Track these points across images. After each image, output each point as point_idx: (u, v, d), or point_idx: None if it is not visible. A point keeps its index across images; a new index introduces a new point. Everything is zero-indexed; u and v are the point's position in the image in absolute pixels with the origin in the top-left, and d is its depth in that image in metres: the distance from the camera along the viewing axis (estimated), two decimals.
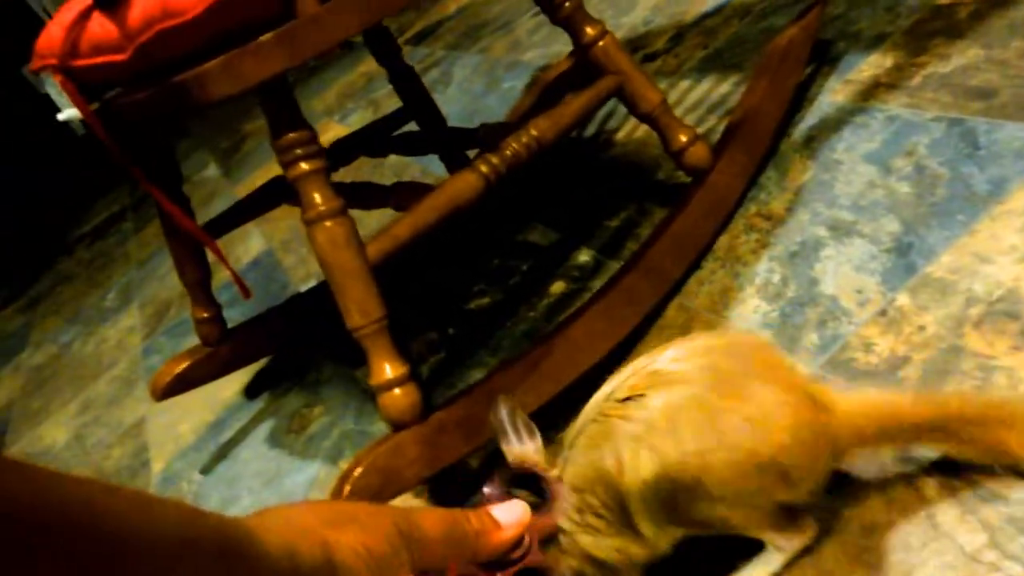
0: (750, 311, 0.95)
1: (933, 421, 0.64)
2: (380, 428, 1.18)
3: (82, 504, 0.23)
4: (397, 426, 0.88)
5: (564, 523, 0.56)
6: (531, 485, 0.48)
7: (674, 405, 0.61)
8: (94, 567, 0.22)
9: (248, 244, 2.02)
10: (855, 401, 0.66)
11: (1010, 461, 0.63)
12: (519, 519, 0.42)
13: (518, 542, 0.42)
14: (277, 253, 1.90)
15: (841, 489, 0.72)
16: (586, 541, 0.56)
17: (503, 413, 0.58)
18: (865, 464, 0.71)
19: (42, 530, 0.21)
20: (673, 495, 0.60)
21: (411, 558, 0.36)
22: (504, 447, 0.56)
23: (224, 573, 0.27)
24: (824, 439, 0.63)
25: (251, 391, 1.46)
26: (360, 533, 0.34)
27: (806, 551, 0.68)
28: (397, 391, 0.86)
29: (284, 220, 2.02)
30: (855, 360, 0.81)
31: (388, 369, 0.86)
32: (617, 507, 0.59)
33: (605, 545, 0.57)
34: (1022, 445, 0.62)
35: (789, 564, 0.68)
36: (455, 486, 0.96)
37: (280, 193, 1.29)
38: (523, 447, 0.55)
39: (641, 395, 0.61)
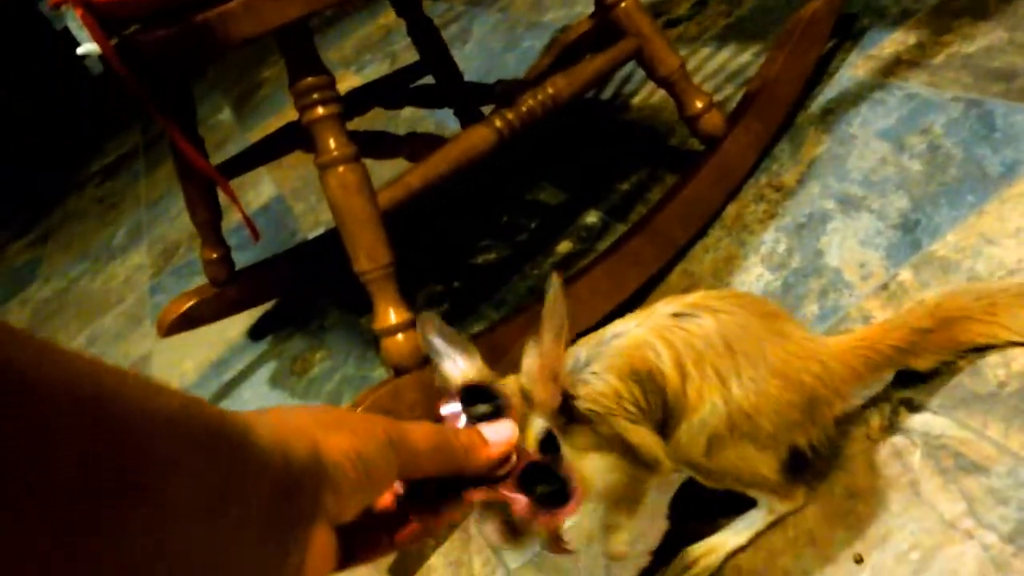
0: (753, 279, 0.95)
1: (905, 341, 0.69)
2: (381, 374, 1.19)
3: (92, 383, 0.23)
4: (398, 371, 0.89)
5: (597, 407, 0.57)
6: (482, 401, 0.47)
7: (726, 327, 0.63)
8: (101, 447, 0.23)
9: (259, 190, 2.03)
10: (841, 344, 0.69)
11: (968, 347, 0.71)
12: (507, 438, 0.43)
13: (505, 460, 0.43)
14: (287, 200, 1.90)
15: (829, 455, 0.73)
16: (623, 425, 0.58)
17: (433, 335, 0.53)
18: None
19: (53, 406, 0.21)
20: (721, 435, 0.62)
21: (399, 467, 0.37)
22: (444, 370, 0.53)
23: (220, 461, 0.27)
24: (836, 379, 0.67)
25: (255, 333, 1.48)
26: (351, 437, 0.35)
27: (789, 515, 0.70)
28: (400, 336, 0.88)
29: (295, 168, 2.02)
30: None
31: (392, 314, 0.88)
32: (659, 407, 0.61)
33: (643, 432, 0.59)
34: (975, 332, 0.70)
35: (772, 525, 0.70)
36: None
37: (294, 139, 1.29)
38: (464, 366, 0.52)
39: (691, 314, 0.64)
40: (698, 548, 0.70)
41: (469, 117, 1.39)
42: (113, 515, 0.23)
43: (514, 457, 0.43)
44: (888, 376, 0.74)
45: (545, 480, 0.44)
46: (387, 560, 0.91)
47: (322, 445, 0.33)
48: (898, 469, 0.69)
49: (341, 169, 0.85)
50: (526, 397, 0.52)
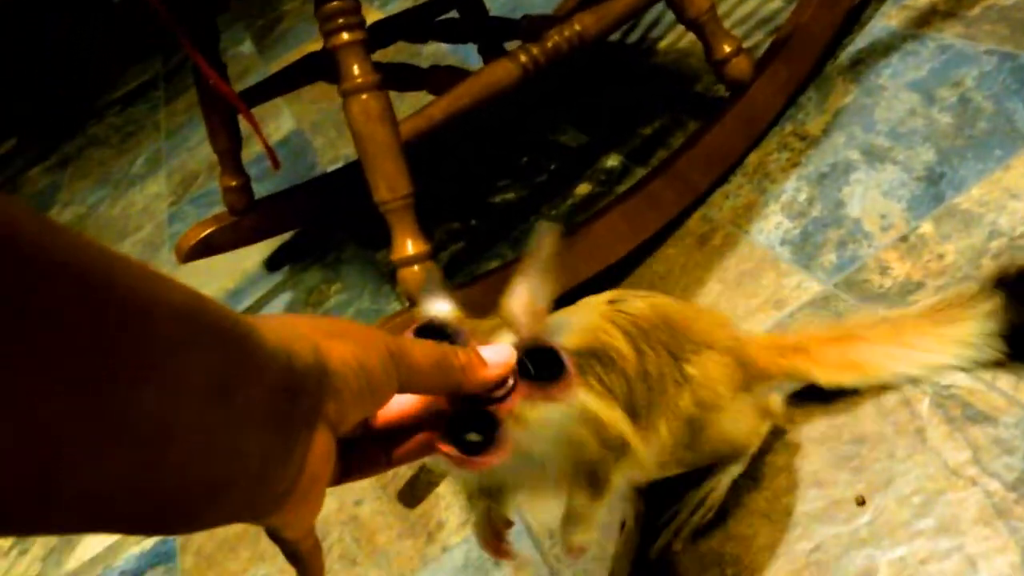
0: (771, 226, 0.95)
1: (802, 346, 0.72)
2: (395, 308, 1.20)
3: (104, 266, 0.23)
4: (414, 301, 0.90)
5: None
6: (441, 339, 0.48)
7: (658, 308, 0.64)
8: (112, 329, 0.23)
9: (278, 123, 2.02)
10: (754, 337, 0.73)
11: (873, 376, 0.71)
12: (505, 359, 0.44)
13: (502, 383, 0.44)
14: (307, 134, 1.90)
15: (836, 400, 0.74)
16: (584, 397, 0.55)
17: (432, 284, 0.55)
18: None
19: (68, 285, 0.22)
20: (695, 416, 0.62)
21: (399, 380, 0.38)
22: (424, 311, 0.53)
23: (224, 355, 0.28)
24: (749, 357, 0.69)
25: (272, 264, 1.49)
26: (353, 347, 0.35)
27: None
28: (416, 267, 0.88)
29: (315, 103, 2.01)
30: (869, 282, 0.82)
31: (410, 245, 0.88)
32: (623, 392, 0.58)
33: (608, 405, 0.56)
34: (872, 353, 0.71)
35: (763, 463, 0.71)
36: None
37: (316, 70, 1.28)
38: (439, 308, 0.52)
39: (624, 299, 0.64)
40: (700, 490, 0.69)
41: (493, 54, 1.37)
42: (123, 389, 0.24)
43: (511, 381, 0.44)
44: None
45: (476, 428, 0.44)
46: (396, 487, 0.93)
47: (325, 351, 0.33)
48: (905, 416, 0.70)
49: (364, 96, 0.85)
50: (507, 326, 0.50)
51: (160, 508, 0.27)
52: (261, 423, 0.30)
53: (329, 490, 1.03)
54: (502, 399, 0.43)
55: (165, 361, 0.25)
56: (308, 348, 0.33)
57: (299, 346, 0.32)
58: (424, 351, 0.40)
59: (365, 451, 0.42)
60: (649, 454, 0.60)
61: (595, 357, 0.57)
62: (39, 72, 3.48)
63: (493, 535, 0.59)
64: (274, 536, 0.38)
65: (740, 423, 0.66)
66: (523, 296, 0.50)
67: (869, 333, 0.72)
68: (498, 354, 0.43)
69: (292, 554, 0.40)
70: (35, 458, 0.22)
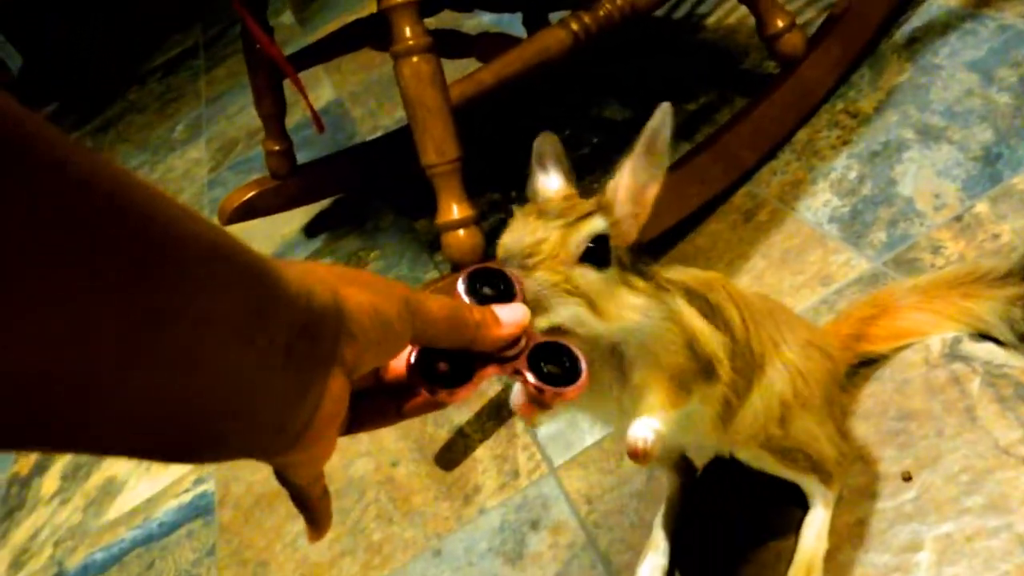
0: (820, 204, 0.94)
1: (854, 329, 0.74)
2: (433, 277, 1.21)
3: (147, 200, 0.24)
4: (457, 266, 0.90)
5: (664, 283, 0.52)
6: (496, 283, 0.48)
7: (758, 297, 0.63)
8: (149, 257, 0.24)
9: (319, 92, 2.02)
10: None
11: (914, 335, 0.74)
12: (519, 319, 0.44)
13: (514, 342, 0.44)
14: (346, 104, 1.90)
15: (883, 377, 0.73)
16: (688, 309, 0.52)
17: (548, 148, 0.53)
18: None
19: (116, 215, 0.23)
20: (789, 402, 0.60)
21: (413, 330, 0.38)
22: (538, 182, 0.52)
23: (248, 291, 0.29)
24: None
25: (311, 230, 1.50)
26: (371, 295, 0.36)
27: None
28: (462, 232, 0.88)
29: (355, 73, 2.02)
30: (920, 260, 0.81)
31: (456, 209, 0.88)
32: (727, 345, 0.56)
33: (708, 326, 0.54)
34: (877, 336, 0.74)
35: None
36: None
37: (362, 36, 1.29)
38: (557, 185, 0.51)
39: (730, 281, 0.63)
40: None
41: (537, 25, 1.37)
42: (156, 315, 0.25)
43: (523, 340, 0.44)
44: None
45: (554, 360, 0.44)
46: (433, 450, 0.94)
47: (344, 297, 0.34)
48: (955, 394, 0.69)
49: (415, 59, 0.85)
50: (601, 205, 0.49)
51: (181, 435, 0.28)
52: (280, 361, 0.31)
53: (365, 451, 1.04)
54: (513, 359, 0.44)
55: (194, 290, 0.26)
56: (328, 293, 0.33)
57: (319, 290, 0.33)
58: (440, 305, 0.40)
59: (376, 403, 0.43)
60: (740, 421, 0.58)
61: (707, 305, 0.55)
62: (81, 37, 3.52)
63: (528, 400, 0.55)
64: (283, 480, 0.39)
65: (826, 428, 0.64)
66: (627, 179, 0.49)
67: (904, 301, 0.75)
68: (513, 313, 0.44)
69: (300, 499, 0.41)
70: (73, 373, 0.23)
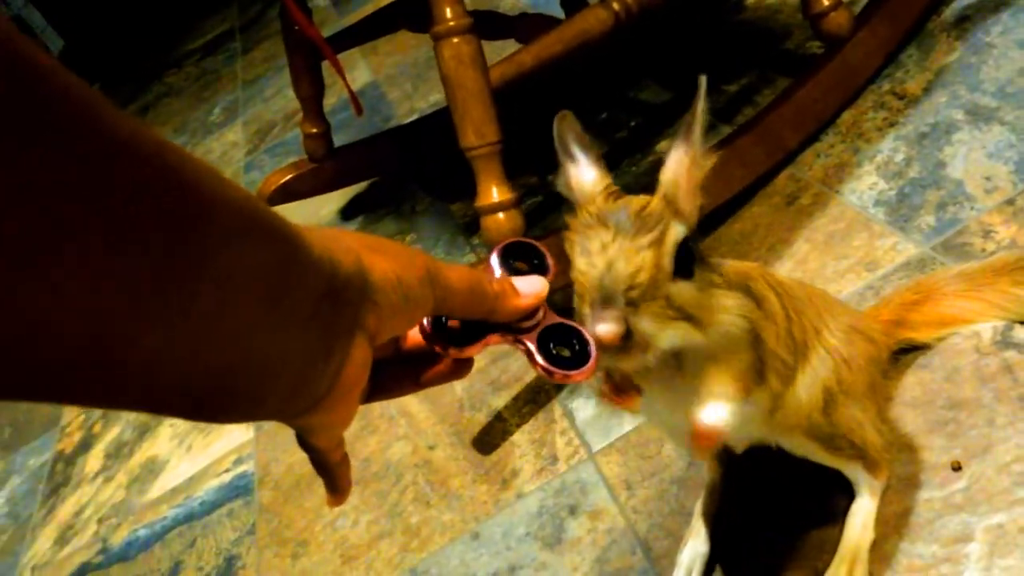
0: (865, 187, 0.92)
1: (895, 315, 0.73)
2: (469, 260, 1.21)
3: (177, 159, 0.25)
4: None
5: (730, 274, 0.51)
6: (530, 257, 0.48)
7: (799, 283, 0.61)
8: (178, 213, 0.25)
9: (355, 75, 2.02)
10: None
11: (959, 324, 0.73)
12: (537, 291, 0.43)
13: (532, 314, 0.44)
14: (382, 86, 1.90)
15: (932, 365, 0.72)
16: (761, 288, 0.52)
17: (569, 134, 0.51)
18: None
19: (148, 171, 0.24)
20: (832, 389, 0.59)
21: (434, 299, 0.38)
22: (570, 174, 0.50)
23: (274, 254, 0.29)
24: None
25: (347, 212, 1.50)
26: (394, 263, 0.36)
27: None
28: (501, 215, 0.88)
29: (391, 55, 2.01)
30: (970, 245, 0.79)
31: (495, 192, 0.88)
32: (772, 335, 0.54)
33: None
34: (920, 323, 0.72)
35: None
36: None
37: (400, 17, 1.28)
38: (593, 176, 0.49)
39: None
40: (839, 569, 0.62)
41: (575, 6, 1.35)
42: (183, 271, 0.25)
43: (541, 313, 0.44)
44: None
45: (564, 342, 0.44)
46: (470, 434, 0.94)
47: (368, 264, 0.35)
48: (1007, 383, 0.67)
49: (456, 40, 0.84)
50: (668, 202, 0.47)
51: (205, 392, 0.29)
52: (304, 324, 0.31)
53: (403, 434, 1.05)
54: (530, 330, 0.44)
55: (221, 249, 0.26)
56: (352, 259, 0.34)
57: (343, 256, 0.33)
58: (460, 275, 0.40)
59: (395, 371, 0.44)
60: (785, 410, 0.57)
61: (749, 294, 0.53)
62: (120, 22, 3.56)
63: (613, 388, 0.52)
64: (304, 444, 0.40)
65: (870, 415, 0.63)
66: (685, 165, 0.48)
67: (949, 288, 0.73)
68: (531, 285, 0.44)
69: (320, 464, 0.42)
70: (100, 326, 0.23)
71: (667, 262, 0.45)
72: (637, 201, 0.47)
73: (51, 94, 0.21)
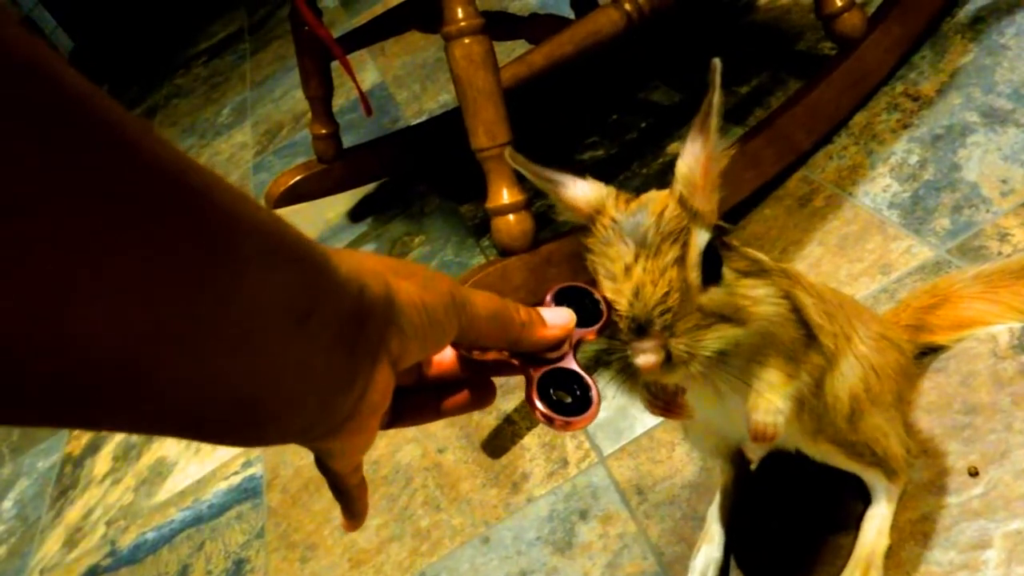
0: (879, 189, 0.91)
1: (913, 319, 0.72)
2: (479, 262, 1.20)
3: (203, 181, 0.25)
4: (506, 252, 0.89)
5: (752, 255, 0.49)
6: (583, 301, 0.47)
7: (828, 288, 0.60)
8: (205, 235, 0.24)
9: (363, 76, 2.02)
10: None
11: (976, 325, 0.72)
12: (564, 324, 0.43)
13: (557, 345, 0.43)
14: (390, 87, 1.90)
15: (948, 369, 0.71)
16: (787, 281, 0.50)
17: (533, 166, 0.49)
18: None
19: (174, 194, 0.23)
20: (860, 397, 0.58)
21: (459, 326, 0.38)
22: (565, 196, 0.48)
23: (301, 276, 0.29)
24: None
25: (356, 214, 1.50)
26: (419, 288, 0.36)
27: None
28: (511, 217, 0.87)
29: (399, 56, 2.01)
30: (986, 248, 0.78)
31: (506, 194, 0.87)
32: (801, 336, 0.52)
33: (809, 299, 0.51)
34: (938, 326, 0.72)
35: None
36: None
37: (410, 17, 1.28)
38: (587, 188, 0.47)
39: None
40: (853, 575, 0.61)
41: (585, 7, 1.35)
42: (210, 293, 0.25)
43: (567, 346, 0.43)
44: None
45: (564, 387, 0.42)
46: (480, 437, 0.94)
47: (394, 288, 0.34)
48: None
49: (467, 40, 0.84)
50: (684, 206, 0.45)
51: (229, 415, 0.29)
52: (330, 347, 0.31)
53: (412, 438, 1.04)
54: (555, 361, 0.43)
55: (247, 271, 0.26)
56: (379, 282, 0.33)
57: (370, 279, 0.33)
58: (486, 303, 0.40)
59: (416, 399, 0.43)
60: (810, 414, 0.56)
61: (781, 292, 0.50)
62: (128, 24, 3.57)
63: (662, 404, 0.51)
64: (323, 467, 0.39)
65: (895, 426, 0.62)
66: (702, 160, 0.46)
67: (966, 290, 0.72)
68: (559, 316, 0.43)
69: (338, 488, 0.41)
70: (125, 347, 0.23)
71: (695, 276, 0.44)
72: (653, 205, 0.45)
73: (84, 116, 0.21)
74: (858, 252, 0.87)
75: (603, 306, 0.46)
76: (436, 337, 0.37)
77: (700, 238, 0.45)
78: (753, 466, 0.73)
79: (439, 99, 1.68)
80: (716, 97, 0.46)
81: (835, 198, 0.94)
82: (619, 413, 0.86)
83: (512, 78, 0.86)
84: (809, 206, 0.95)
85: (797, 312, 0.50)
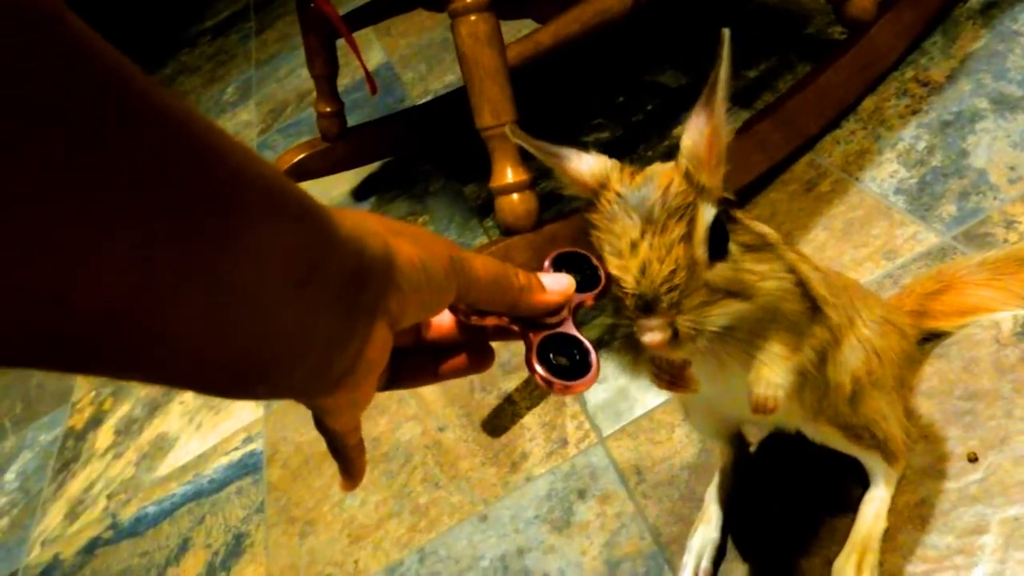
0: (886, 175, 0.91)
1: (917, 304, 0.72)
2: (482, 242, 1.20)
3: (205, 131, 0.25)
4: (509, 231, 0.89)
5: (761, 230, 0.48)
6: (583, 267, 0.47)
7: (833, 271, 0.60)
8: (208, 185, 0.25)
9: (369, 55, 2.01)
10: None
11: (981, 312, 0.72)
12: (564, 289, 0.43)
13: (556, 311, 0.43)
14: (396, 67, 1.89)
15: (949, 355, 0.71)
16: (790, 255, 0.49)
17: (534, 140, 0.49)
18: None
19: (178, 142, 0.24)
20: (861, 379, 0.57)
21: (458, 288, 0.38)
22: (570, 169, 0.48)
23: (302, 232, 0.29)
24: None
25: (359, 193, 1.50)
26: (419, 249, 0.36)
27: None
28: (515, 196, 0.87)
29: (405, 36, 2.00)
30: (992, 235, 0.78)
31: (510, 173, 0.87)
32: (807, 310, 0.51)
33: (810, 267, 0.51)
34: (941, 312, 0.72)
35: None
36: None
37: None
38: (592, 161, 0.47)
39: None
40: (849, 558, 0.61)
41: None
42: (213, 244, 0.25)
43: (565, 311, 0.43)
44: None
45: (564, 352, 0.42)
46: (480, 416, 0.94)
47: (394, 249, 0.34)
48: None
49: (473, 18, 0.83)
50: (690, 181, 0.44)
51: (228, 367, 0.29)
52: (329, 305, 0.31)
53: (413, 415, 1.04)
54: (554, 327, 0.43)
55: (249, 225, 0.26)
56: (379, 242, 0.34)
57: (370, 239, 0.33)
58: (486, 265, 0.40)
59: (415, 361, 0.44)
60: (811, 395, 0.56)
61: (787, 268, 0.50)
62: (134, 2, 3.55)
63: (668, 378, 0.51)
64: (321, 426, 0.40)
65: (896, 410, 0.62)
66: (707, 134, 0.45)
67: (970, 277, 0.72)
68: (558, 282, 0.43)
69: (336, 447, 0.42)
70: (122, 295, 0.23)
71: (701, 252, 0.44)
72: (659, 178, 0.45)
73: (85, 57, 0.21)
74: (863, 237, 0.86)
75: (601, 272, 0.46)
76: (435, 298, 0.38)
77: (707, 213, 0.44)
78: (752, 448, 0.73)
79: (444, 80, 1.67)
80: (724, 69, 0.45)
81: (842, 183, 0.93)
82: (619, 394, 0.86)
83: (518, 57, 0.86)
84: (815, 191, 0.95)
85: (802, 286, 0.50)
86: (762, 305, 0.47)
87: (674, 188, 0.44)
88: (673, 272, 0.43)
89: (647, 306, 0.43)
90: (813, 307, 0.51)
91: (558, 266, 0.46)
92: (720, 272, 0.45)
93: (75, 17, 0.20)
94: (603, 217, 0.45)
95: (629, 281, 0.44)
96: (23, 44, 0.19)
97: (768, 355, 0.49)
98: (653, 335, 0.43)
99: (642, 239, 0.44)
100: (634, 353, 0.48)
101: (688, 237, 0.43)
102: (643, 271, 0.43)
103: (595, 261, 0.46)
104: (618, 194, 0.45)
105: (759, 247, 0.47)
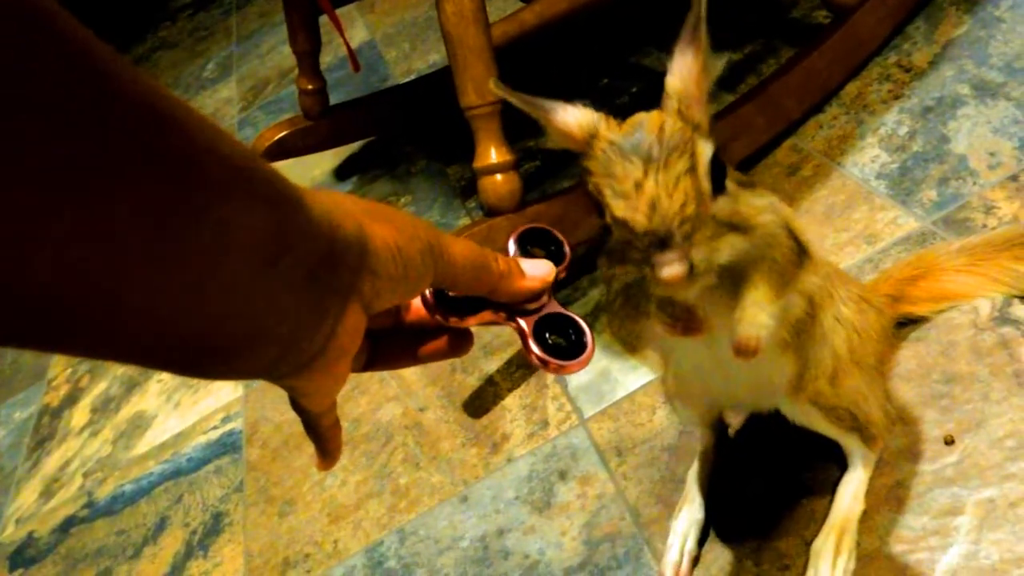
0: (867, 159, 0.91)
1: (894, 290, 0.72)
2: (464, 223, 1.19)
3: (171, 108, 0.25)
4: (492, 212, 0.89)
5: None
6: (547, 244, 0.47)
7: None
8: (176, 163, 0.25)
9: (352, 33, 1.99)
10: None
11: (959, 298, 0.73)
12: (544, 275, 0.43)
13: (536, 296, 0.43)
14: (380, 46, 1.87)
15: (928, 339, 0.72)
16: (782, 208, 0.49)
17: (520, 94, 0.49)
18: None
19: (145, 118, 0.24)
20: (842, 357, 0.58)
21: (435, 272, 0.38)
22: (557, 121, 0.47)
23: (272, 213, 0.29)
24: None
25: (341, 173, 1.48)
26: (395, 232, 0.36)
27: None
28: (499, 177, 0.87)
29: (389, 15, 1.98)
30: (971, 220, 0.79)
31: (494, 153, 0.86)
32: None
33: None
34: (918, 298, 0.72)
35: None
36: None
37: None
38: (578, 112, 0.47)
39: None
40: (827, 539, 0.62)
41: None
42: (180, 221, 0.25)
43: (545, 298, 0.43)
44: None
45: (559, 332, 0.43)
46: (461, 397, 0.94)
47: (369, 232, 0.34)
48: (1003, 358, 0.67)
49: None
50: (684, 119, 0.44)
51: (199, 346, 0.29)
52: (299, 286, 0.31)
53: (394, 396, 1.04)
54: (532, 313, 0.43)
55: (216, 203, 0.26)
56: (352, 224, 0.33)
57: (344, 221, 0.33)
58: (464, 251, 0.39)
59: (394, 343, 0.44)
60: (791, 370, 0.56)
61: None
62: None
63: (680, 324, 0.50)
64: (297, 407, 0.39)
65: (876, 391, 0.62)
66: (694, 70, 0.45)
67: (949, 263, 0.73)
68: (538, 268, 0.43)
69: (312, 427, 0.41)
70: (104, 272, 0.23)
71: (706, 185, 0.43)
72: (651, 121, 0.44)
73: (55, 35, 0.21)
74: (845, 222, 0.87)
75: (566, 246, 0.46)
76: (410, 283, 0.37)
77: (706, 148, 0.44)
78: (732, 431, 0.74)
79: (428, 59, 1.66)
80: (703, 5, 0.45)
81: (823, 167, 0.94)
82: (601, 376, 0.86)
83: (503, 36, 0.85)
84: (798, 175, 0.95)
85: (787, 229, 0.49)
86: (758, 241, 0.46)
87: (669, 128, 0.43)
88: (683, 205, 0.42)
89: (661, 242, 0.42)
90: (799, 250, 0.50)
91: (523, 243, 0.46)
92: (723, 206, 0.44)
93: None
94: (598, 163, 0.44)
95: (640, 219, 0.42)
96: None
97: (752, 298, 0.48)
98: (672, 268, 0.41)
99: (646, 177, 0.42)
100: (632, 306, 0.47)
101: (692, 170, 0.42)
102: (653, 207, 0.42)
103: (558, 235, 0.46)
104: (610, 142, 0.44)
105: (748, 184, 0.48)
